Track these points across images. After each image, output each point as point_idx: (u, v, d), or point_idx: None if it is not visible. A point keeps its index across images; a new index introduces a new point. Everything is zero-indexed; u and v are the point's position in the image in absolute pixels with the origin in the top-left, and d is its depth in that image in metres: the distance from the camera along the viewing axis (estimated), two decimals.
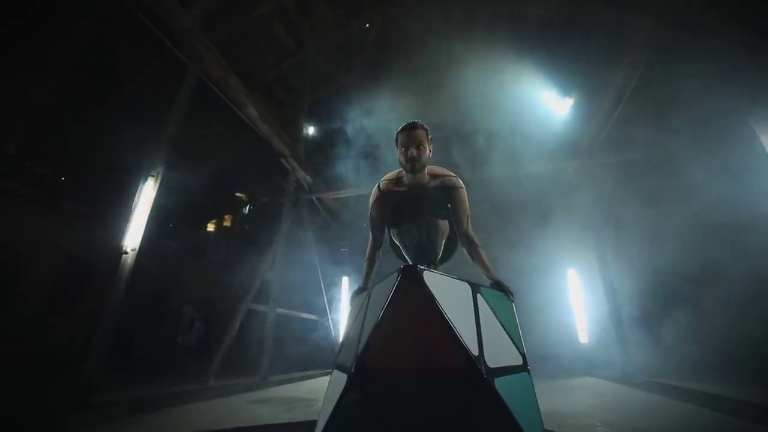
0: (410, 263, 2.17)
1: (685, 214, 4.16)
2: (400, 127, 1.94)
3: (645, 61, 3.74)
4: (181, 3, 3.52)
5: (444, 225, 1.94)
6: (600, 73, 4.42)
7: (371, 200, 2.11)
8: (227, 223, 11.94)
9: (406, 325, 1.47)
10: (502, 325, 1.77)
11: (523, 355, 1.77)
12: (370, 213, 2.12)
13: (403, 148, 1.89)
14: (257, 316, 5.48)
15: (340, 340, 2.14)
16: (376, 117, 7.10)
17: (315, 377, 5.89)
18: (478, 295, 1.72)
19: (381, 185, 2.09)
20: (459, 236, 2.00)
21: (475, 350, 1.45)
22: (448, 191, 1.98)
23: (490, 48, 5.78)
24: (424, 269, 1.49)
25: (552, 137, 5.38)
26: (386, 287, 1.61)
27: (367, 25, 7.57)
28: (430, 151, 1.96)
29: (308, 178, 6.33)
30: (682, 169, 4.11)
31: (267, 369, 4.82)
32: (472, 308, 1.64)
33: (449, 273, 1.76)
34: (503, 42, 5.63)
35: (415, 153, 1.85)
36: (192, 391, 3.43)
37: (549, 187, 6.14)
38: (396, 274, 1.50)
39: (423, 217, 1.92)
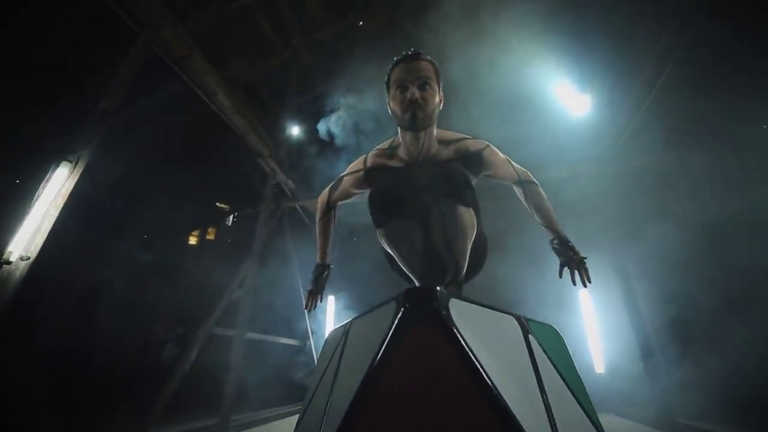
0: (416, 283, 1.46)
1: (726, 226, 3.58)
2: (395, 60, 1.24)
3: (677, 54, 3.22)
4: None
5: (468, 216, 1.18)
6: (623, 65, 3.90)
7: (349, 168, 1.43)
8: (211, 236, 11.18)
9: (415, 399, 0.76)
10: (565, 382, 1.06)
11: (598, 426, 1.08)
12: (340, 176, 1.50)
13: (399, 90, 1.19)
14: (226, 341, 4.67)
15: (307, 397, 1.43)
16: (368, 120, 6.54)
17: (293, 414, 5.03)
18: (531, 337, 1.03)
19: (369, 157, 1.38)
20: (514, 186, 1.48)
21: None
22: (472, 158, 1.30)
23: (492, 44, 5.28)
24: (450, 294, 0.80)
25: (565, 139, 4.82)
26: (376, 325, 0.89)
27: (361, 23, 7.10)
28: (441, 99, 1.25)
29: (290, 183, 5.65)
30: (723, 177, 3.57)
31: (230, 407, 3.98)
32: (529, 362, 0.94)
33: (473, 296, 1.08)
34: (508, 36, 5.12)
35: (417, 95, 1.15)
36: None
37: (559, 196, 5.54)
38: (393, 304, 0.81)
39: (435, 206, 1.17)
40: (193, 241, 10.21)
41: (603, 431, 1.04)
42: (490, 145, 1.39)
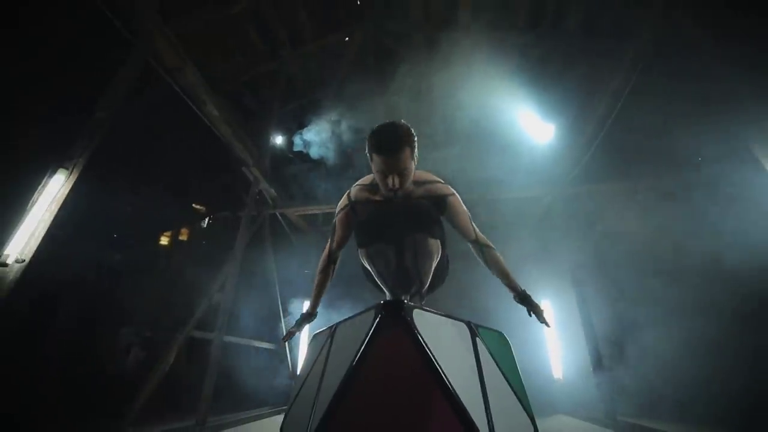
0: (387, 294, 1.73)
1: (667, 246, 4.08)
2: (375, 141, 1.37)
3: (628, 89, 3.71)
4: None
5: (435, 245, 1.48)
6: (582, 100, 4.38)
7: (337, 208, 1.64)
8: (183, 237, 10.96)
9: (387, 389, 1.01)
10: (507, 381, 1.35)
11: (534, 421, 1.36)
12: (333, 222, 1.69)
13: (381, 174, 1.40)
14: (202, 345, 4.73)
15: (293, 392, 1.64)
16: (350, 133, 6.79)
17: (265, 417, 5.12)
18: (478, 340, 1.31)
19: (352, 192, 1.62)
20: (470, 245, 1.66)
21: (483, 425, 1.02)
22: (439, 201, 1.55)
23: (470, 72, 5.70)
24: (413, 306, 1.07)
25: (530, 163, 5.27)
26: (357, 330, 1.15)
27: (347, 38, 7.38)
28: (415, 162, 1.47)
29: (272, 190, 5.79)
30: (667, 201, 4.08)
31: (207, 410, 4.06)
32: (474, 361, 1.21)
33: (438, 308, 1.34)
34: (483, 67, 5.55)
35: (397, 182, 1.37)
36: None
37: (524, 214, 5.99)
38: (373, 313, 1.06)
39: (408, 235, 1.45)
40: (167, 242, 10.03)
41: (535, 422, 1.32)
42: (456, 194, 1.61)
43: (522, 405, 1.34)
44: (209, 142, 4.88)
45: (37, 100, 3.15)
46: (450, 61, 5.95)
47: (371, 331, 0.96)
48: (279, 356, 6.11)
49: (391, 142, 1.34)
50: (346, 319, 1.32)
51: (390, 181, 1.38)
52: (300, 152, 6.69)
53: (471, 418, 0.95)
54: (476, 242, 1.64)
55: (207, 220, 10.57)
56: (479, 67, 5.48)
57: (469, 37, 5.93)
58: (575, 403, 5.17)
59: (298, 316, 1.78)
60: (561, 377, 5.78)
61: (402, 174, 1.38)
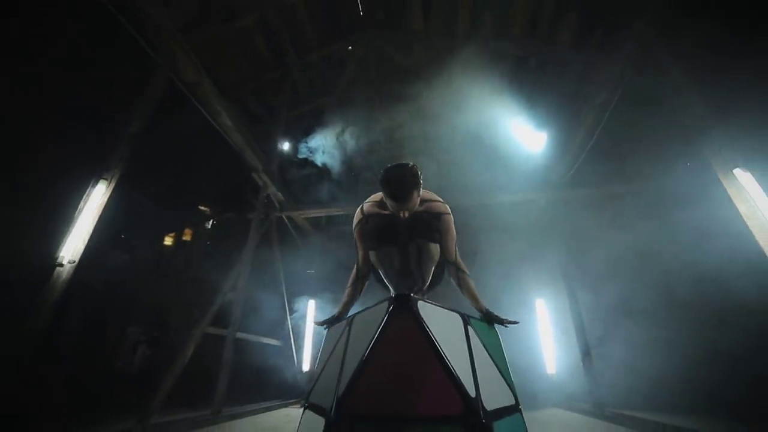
0: (392, 292, 2.01)
1: (647, 248, 4.37)
2: (387, 191, 1.61)
3: (615, 101, 3.99)
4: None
5: (435, 249, 1.79)
6: (573, 110, 4.66)
7: (354, 223, 1.92)
8: (187, 237, 11.19)
9: (398, 362, 1.30)
10: (493, 360, 1.64)
11: (515, 393, 1.64)
12: (354, 240, 1.96)
13: (393, 209, 1.69)
14: (212, 340, 5.00)
15: (315, 373, 1.90)
16: (353, 138, 7.07)
17: (274, 409, 5.40)
18: (469, 327, 1.59)
19: (365, 207, 1.91)
20: (447, 265, 1.86)
21: (472, 391, 1.30)
22: (436, 217, 1.83)
23: (468, 81, 5.97)
24: (418, 298, 1.35)
25: (524, 169, 5.55)
26: (373, 318, 1.43)
27: (350, 47, 7.67)
28: (420, 191, 1.71)
29: (279, 194, 6.06)
30: (648, 207, 4.36)
31: (220, 401, 4.34)
32: (465, 342, 1.50)
33: (438, 302, 1.61)
34: (481, 77, 5.83)
35: (407, 215, 1.70)
36: None
37: (519, 218, 6.27)
38: (386, 304, 1.34)
39: (412, 241, 1.77)
40: (178, 243, 10.25)
41: (516, 393, 1.60)
42: (451, 215, 1.87)
43: (504, 379, 1.63)
44: (223, 150, 5.16)
45: (71, 115, 3.41)
46: (449, 69, 6.23)
47: (385, 319, 1.26)
48: (285, 352, 6.38)
49: (400, 190, 1.58)
50: (361, 311, 1.60)
51: (401, 213, 1.67)
52: (305, 158, 6.97)
53: (464, 386, 1.25)
54: (454, 264, 1.81)
55: (211, 222, 10.81)
56: (477, 75, 5.77)
57: (468, 47, 6.22)
58: (568, 397, 5.44)
59: (326, 316, 1.95)
60: (554, 372, 6.05)
61: (411, 209, 1.67)
